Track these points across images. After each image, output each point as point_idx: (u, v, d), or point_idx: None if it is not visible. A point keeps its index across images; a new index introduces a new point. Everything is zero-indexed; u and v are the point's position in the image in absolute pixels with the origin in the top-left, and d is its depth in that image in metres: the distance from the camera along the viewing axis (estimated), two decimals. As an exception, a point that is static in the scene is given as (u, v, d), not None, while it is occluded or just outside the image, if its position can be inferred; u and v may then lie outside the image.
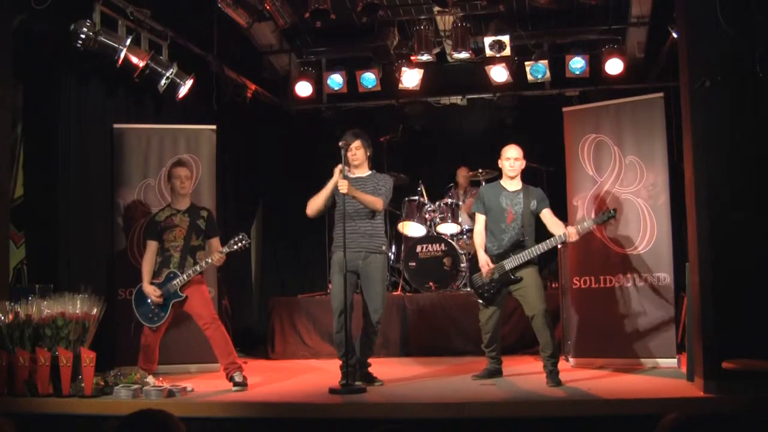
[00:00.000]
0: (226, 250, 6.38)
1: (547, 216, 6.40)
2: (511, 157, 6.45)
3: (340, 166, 6.22)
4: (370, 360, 6.49)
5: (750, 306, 5.21)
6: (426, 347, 8.43)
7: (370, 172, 6.49)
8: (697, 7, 5.52)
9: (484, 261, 6.38)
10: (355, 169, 6.44)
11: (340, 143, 6.27)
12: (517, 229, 6.35)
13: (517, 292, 6.35)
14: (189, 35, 8.47)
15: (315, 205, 6.33)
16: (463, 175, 10.09)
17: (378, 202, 6.28)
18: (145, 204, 7.72)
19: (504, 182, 6.55)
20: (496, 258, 6.35)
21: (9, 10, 6.60)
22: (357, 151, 6.36)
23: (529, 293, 6.26)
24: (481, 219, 6.56)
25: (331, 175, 6.26)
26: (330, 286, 6.54)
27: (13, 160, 6.89)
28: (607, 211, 6.33)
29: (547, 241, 6.25)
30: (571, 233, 6.16)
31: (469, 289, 8.47)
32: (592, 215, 6.97)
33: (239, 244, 6.36)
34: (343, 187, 6.07)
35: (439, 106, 11.14)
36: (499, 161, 6.55)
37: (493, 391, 5.99)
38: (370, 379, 6.37)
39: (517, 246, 6.30)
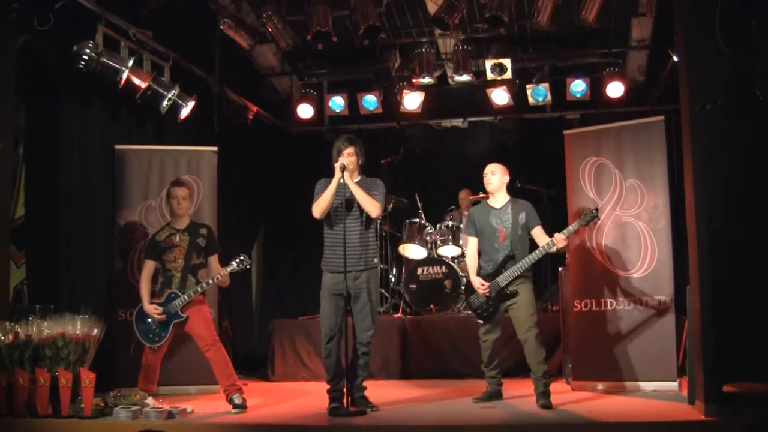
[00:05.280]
0: (228, 270, 6.38)
1: (538, 234, 6.37)
2: (488, 172, 6.54)
3: (341, 161, 6.07)
4: (366, 383, 6.33)
5: (751, 329, 5.20)
6: (426, 370, 8.39)
7: (359, 178, 6.30)
8: (698, 30, 5.55)
9: (478, 283, 6.39)
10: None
11: (338, 165, 6.07)
12: (509, 246, 6.36)
13: (510, 310, 6.35)
14: (191, 57, 8.51)
15: (321, 206, 6.09)
16: (464, 197, 10.08)
17: (376, 206, 6.11)
18: (146, 225, 7.70)
19: (491, 201, 6.57)
20: (491, 277, 6.35)
21: (12, 31, 6.64)
22: (350, 157, 6.14)
23: (520, 315, 6.26)
24: (473, 242, 6.58)
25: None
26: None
27: (15, 181, 6.91)
28: (590, 212, 6.35)
29: (536, 251, 6.25)
30: (559, 239, 6.17)
31: (469, 312, 8.44)
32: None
33: (241, 266, 6.36)
34: (343, 167, 6.01)
35: (440, 129, 11.18)
36: None
37: (494, 413, 5.96)
38: (366, 404, 6.20)
39: (509, 260, 6.31)
